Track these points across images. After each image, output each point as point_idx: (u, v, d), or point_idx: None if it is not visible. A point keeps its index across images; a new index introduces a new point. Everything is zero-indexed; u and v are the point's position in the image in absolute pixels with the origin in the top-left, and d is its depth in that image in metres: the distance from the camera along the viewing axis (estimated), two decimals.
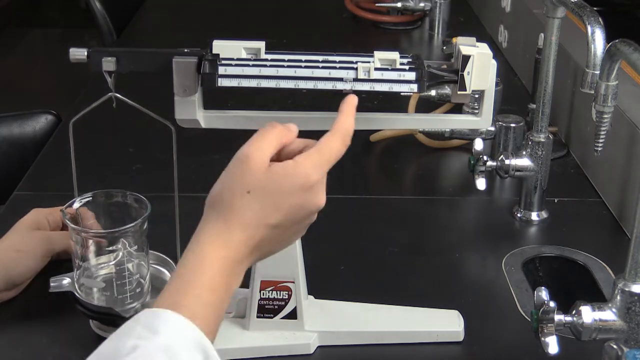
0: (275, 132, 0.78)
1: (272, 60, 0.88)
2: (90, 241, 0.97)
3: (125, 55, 0.89)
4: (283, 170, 0.76)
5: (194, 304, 0.72)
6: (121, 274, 0.97)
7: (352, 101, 0.82)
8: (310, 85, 0.87)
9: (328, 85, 0.87)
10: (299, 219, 0.78)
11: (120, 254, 0.97)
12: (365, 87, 0.87)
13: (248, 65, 0.87)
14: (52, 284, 0.98)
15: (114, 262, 0.98)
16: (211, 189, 0.78)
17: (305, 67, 0.87)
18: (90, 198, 0.98)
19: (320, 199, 0.78)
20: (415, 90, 0.88)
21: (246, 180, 0.75)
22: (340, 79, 0.87)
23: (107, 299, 0.98)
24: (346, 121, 0.81)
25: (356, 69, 0.87)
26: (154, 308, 0.72)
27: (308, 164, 0.77)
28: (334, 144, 0.79)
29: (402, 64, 0.88)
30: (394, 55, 0.88)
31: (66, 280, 0.98)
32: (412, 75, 0.87)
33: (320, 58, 0.88)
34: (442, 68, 0.89)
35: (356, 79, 0.87)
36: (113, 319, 0.96)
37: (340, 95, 0.88)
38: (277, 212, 0.76)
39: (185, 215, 0.98)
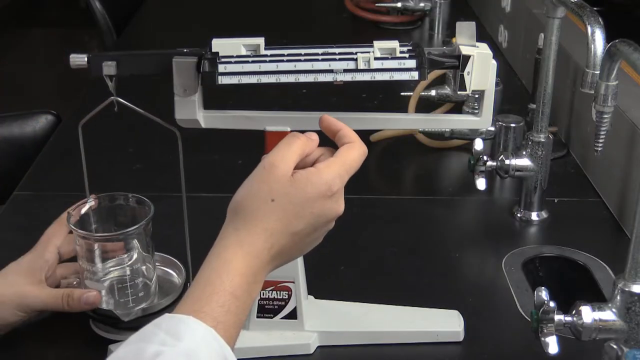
0: (299, 142, 0.80)
1: (271, 55, 0.88)
2: (96, 245, 0.97)
3: (125, 59, 0.89)
4: (306, 178, 0.78)
5: (217, 311, 0.73)
6: (127, 277, 0.97)
7: (330, 118, 0.84)
8: (310, 78, 0.87)
9: (328, 78, 0.87)
10: (318, 226, 0.79)
11: (126, 256, 0.97)
12: (366, 77, 0.87)
13: (248, 62, 0.87)
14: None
15: (120, 265, 0.98)
16: (234, 195, 0.79)
17: (305, 60, 0.87)
18: (94, 202, 0.98)
19: (340, 206, 0.80)
20: (416, 77, 0.87)
21: (271, 188, 0.77)
22: (341, 71, 0.86)
23: (114, 302, 0.98)
24: (352, 131, 0.83)
25: (356, 59, 0.87)
26: (176, 314, 0.72)
27: (330, 172, 0.79)
28: (355, 154, 0.81)
29: (402, 52, 0.88)
30: (394, 44, 0.88)
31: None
32: (412, 63, 0.87)
33: (320, 51, 0.88)
34: (443, 54, 0.89)
35: (357, 70, 0.87)
36: (113, 322, 0.96)
37: (338, 92, 0.87)
38: (300, 219, 0.77)
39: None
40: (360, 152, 0.82)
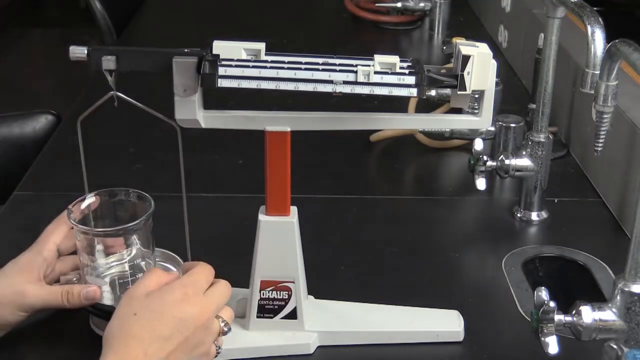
0: (156, 273, 0.87)
1: (272, 61, 0.88)
2: (96, 240, 0.97)
3: (126, 54, 0.89)
4: (161, 290, 0.85)
5: None
6: (128, 272, 0.97)
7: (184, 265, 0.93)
8: (310, 87, 0.87)
9: (328, 88, 0.87)
10: (188, 333, 0.83)
11: (126, 251, 0.97)
12: (365, 90, 0.87)
13: (248, 67, 0.87)
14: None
15: (120, 260, 0.98)
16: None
17: (306, 69, 0.87)
18: (94, 198, 0.98)
19: (203, 310, 0.84)
20: (415, 94, 0.88)
21: (132, 306, 0.83)
22: (340, 82, 0.87)
23: (115, 297, 0.98)
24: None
25: (356, 72, 0.87)
26: None
27: (183, 280, 0.86)
28: (200, 267, 0.88)
29: (401, 67, 0.88)
30: (394, 59, 0.88)
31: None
32: (411, 80, 0.88)
33: (320, 60, 0.89)
34: (442, 73, 0.89)
35: (356, 82, 0.87)
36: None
37: (338, 96, 0.88)
38: (164, 323, 0.82)
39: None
40: (203, 266, 0.89)
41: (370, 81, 0.87)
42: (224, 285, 0.88)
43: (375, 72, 0.87)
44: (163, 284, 0.86)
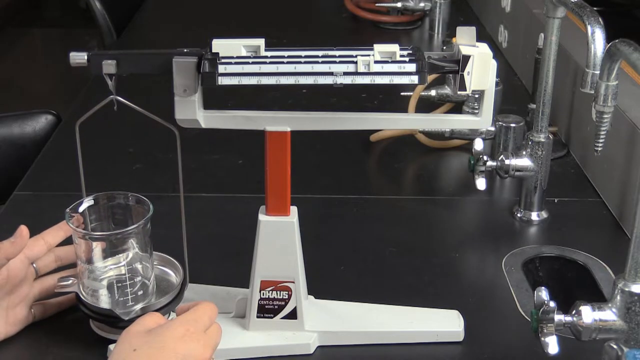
0: (155, 314, 0.87)
1: (271, 57, 0.88)
2: (94, 244, 0.97)
3: (125, 58, 0.89)
4: (162, 327, 0.83)
5: None
6: (126, 276, 0.97)
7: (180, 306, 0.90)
8: (310, 80, 0.87)
9: (328, 80, 0.87)
10: None
11: (124, 255, 0.97)
12: (366, 80, 0.87)
13: (248, 63, 0.87)
14: (59, 284, 0.98)
15: (118, 264, 0.98)
16: None
17: (305, 62, 0.87)
18: (93, 201, 0.98)
19: (202, 350, 0.82)
20: (416, 81, 0.87)
21: (131, 342, 0.82)
22: (341, 73, 0.87)
23: (112, 301, 0.98)
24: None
25: (356, 62, 0.87)
26: None
27: (185, 317, 0.85)
28: (204, 305, 0.87)
29: (402, 56, 0.88)
30: (394, 47, 0.88)
31: (71, 281, 0.98)
32: (412, 67, 0.87)
33: (320, 53, 0.88)
34: (443, 58, 0.89)
35: (356, 73, 0.87)
36: (113, 321, 0.96)
37: (338, 92, 0.88)
38: (165, 359, 0.80)
39: (184, 215, 0.98)
40: (207, 304, 0.87)
41: (371, 71, 0.87)
42: (219, 326, 0.87)
43: (376, 62, 0.87)
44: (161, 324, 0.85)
